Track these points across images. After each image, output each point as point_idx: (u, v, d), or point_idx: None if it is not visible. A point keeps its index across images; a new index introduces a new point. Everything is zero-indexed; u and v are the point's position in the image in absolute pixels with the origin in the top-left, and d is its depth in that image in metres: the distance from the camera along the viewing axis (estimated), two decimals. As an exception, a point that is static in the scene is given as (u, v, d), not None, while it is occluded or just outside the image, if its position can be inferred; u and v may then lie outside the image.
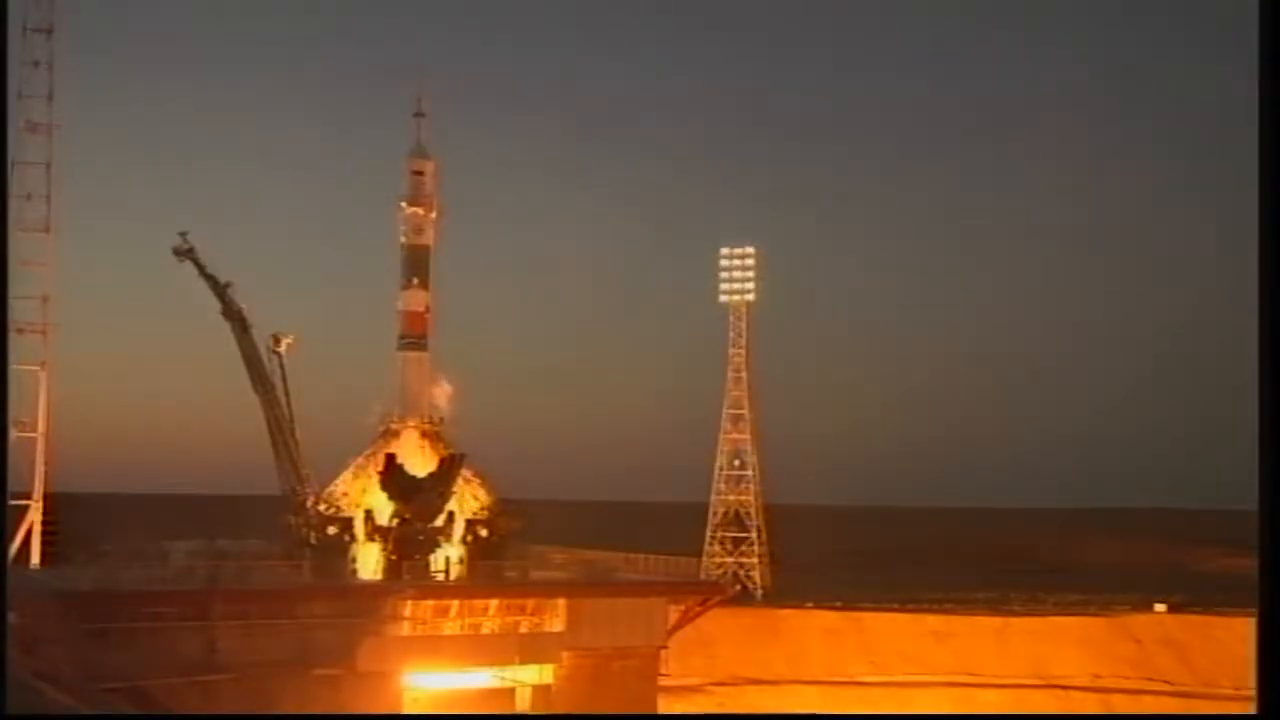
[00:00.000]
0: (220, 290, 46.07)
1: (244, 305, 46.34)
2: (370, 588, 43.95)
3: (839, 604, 60.92)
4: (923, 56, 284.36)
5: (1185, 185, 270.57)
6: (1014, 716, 50.51)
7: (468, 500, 48.08)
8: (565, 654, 43.26)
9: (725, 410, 70.16)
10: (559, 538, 51.71)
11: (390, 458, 46.75)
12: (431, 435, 49.24)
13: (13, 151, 44.02)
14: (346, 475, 47.98)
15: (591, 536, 53.50)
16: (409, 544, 45.24)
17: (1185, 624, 51.88)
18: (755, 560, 67.56)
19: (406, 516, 45.78)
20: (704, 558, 66.01)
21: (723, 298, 69.70)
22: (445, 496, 46.58)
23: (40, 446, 46.29)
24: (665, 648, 45.33)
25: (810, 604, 61.25)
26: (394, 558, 45.07)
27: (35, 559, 46.06)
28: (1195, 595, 58.49)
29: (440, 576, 45.59)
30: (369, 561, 45.92)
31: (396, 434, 49.01)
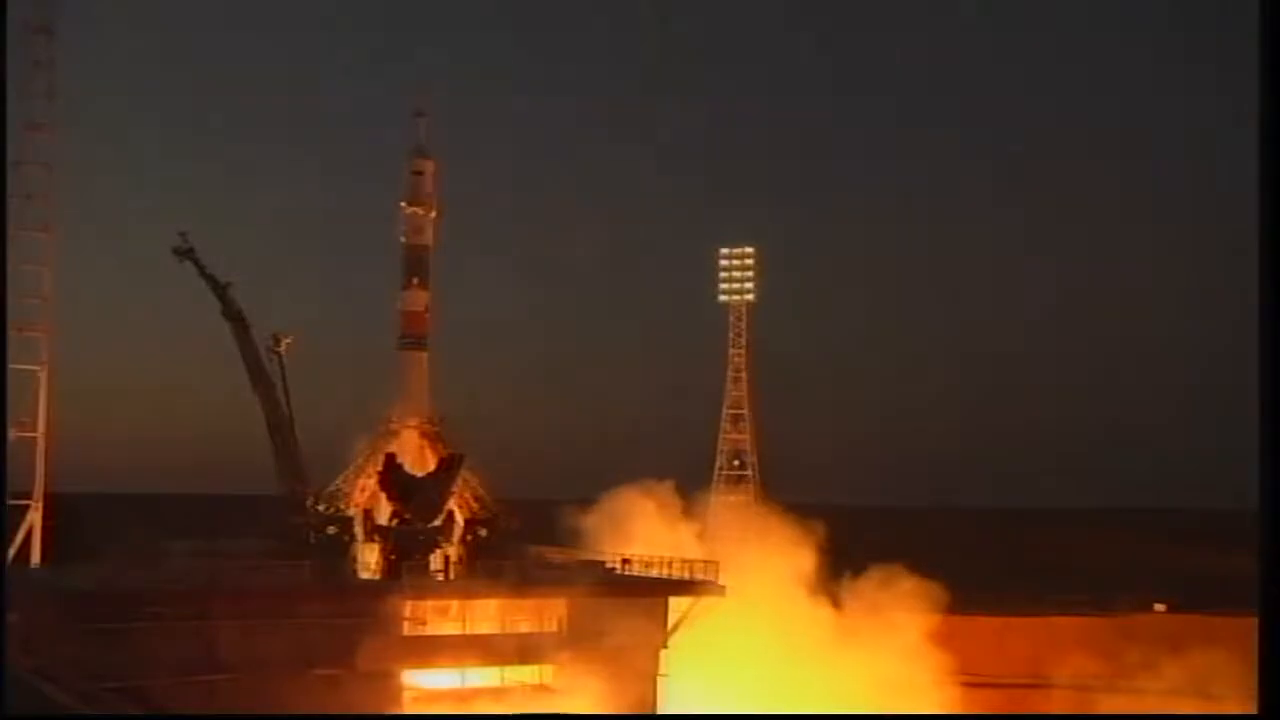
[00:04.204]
0: (220, 290, 46.11)
1: (244, 305, 46.43)
2: (370, 588, 43.97)
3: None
4: (923, 55, 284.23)
5: (1188, 185, 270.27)
6: (1014, 716, 50.47)
7: (467, 500, 48.15)
8: (565, 654, 43.24)
9: (725, 410, 70.19)
10: (558, 538, 51.67)
11: (390, 458, 46.83)
12: (431, 435, 49.31)
13: (13, 151, 44.01)
14: (347, 475, 48.04)
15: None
16: (409, 544, 45.26)
17: (1185, 624, 51.82)
18: (755, 560, 67.58)
19: (406, 516, 45.84)
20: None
21: (722, 297, 69.73)
22: (445, 496, 46.64)
23: (40, 446, 46.30)
24: (665, 648, 45.31)
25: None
26: (394, 558, 45.10)
27: (35, 558, 46.09)
28: (1195, 595, 58.43)
29: (440, 576, 45.63)
30: (369, 561, 45.95)
31: (396, 434, 49.08)
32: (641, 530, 49.40)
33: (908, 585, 49.67)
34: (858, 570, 50.85)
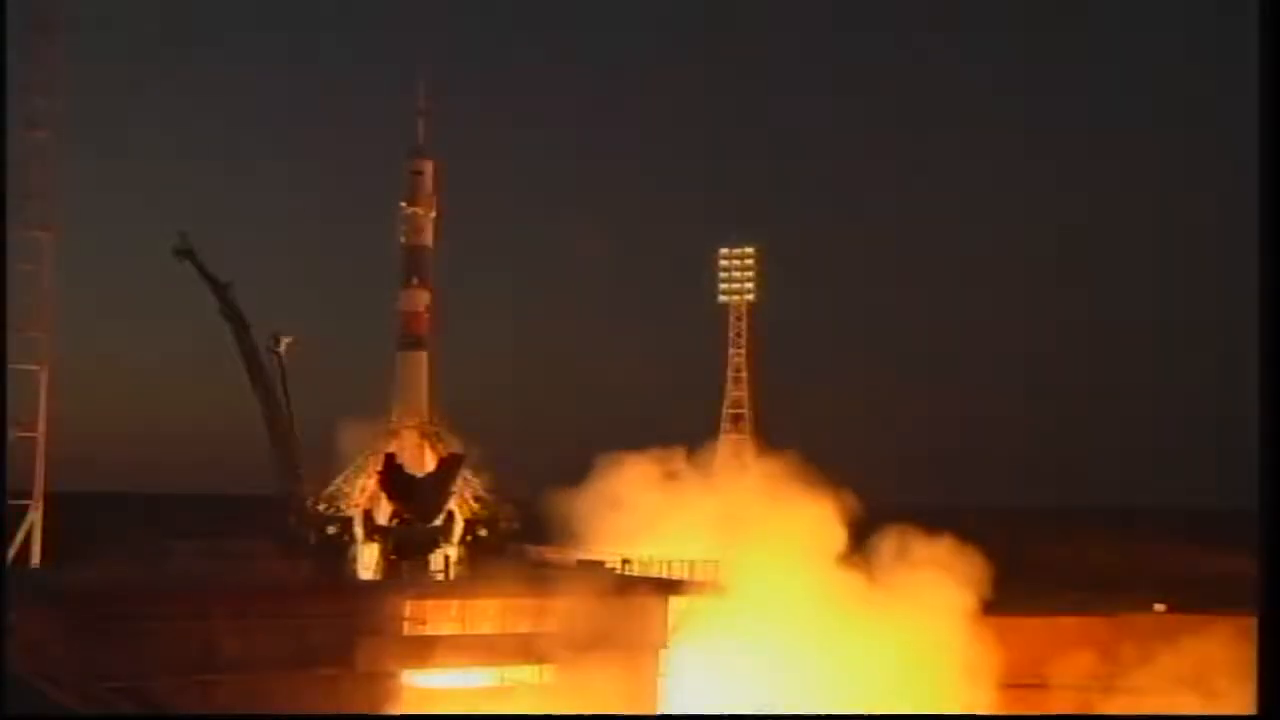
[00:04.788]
0: (220, 290, 46.14)
1: (243, 305, 46.48)
2: (370, 588, 44.00)
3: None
4: (922, 52, 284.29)
5: (1188, 181, 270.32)
6: (1014, 717, 50.45)
7: (467, 500, 48.18)
8: (565, 654, 43.24)
9: (725, 410, 70.15)
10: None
11: (390, 457, 46.88)
12: (431, 435, 49.35)
13: (13, 150, 43.99)
14: (347, 475, 48.08)
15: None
16: (409, 544, 45.30)
17: (1186, 624, 51.84)
18: (755, 560, 67.46)
19: (406, 516, 45.87)
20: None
21: (722, 298, 69.71)
22: (445, 496, 46.68)
23: (40, 446, 46.28)
24: (665, 648, 45.31)
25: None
26: (394, 558, 45.13)
27: (35, 559, 46.09)
28: (1195, 595, 58.43)
29: (440, 576, 45.64)
30: (369, 561, 45.96)
31: (396, 434, 49.11)
32: (645, 503, 48.46)
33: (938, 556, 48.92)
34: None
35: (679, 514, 48.59)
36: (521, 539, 48.97)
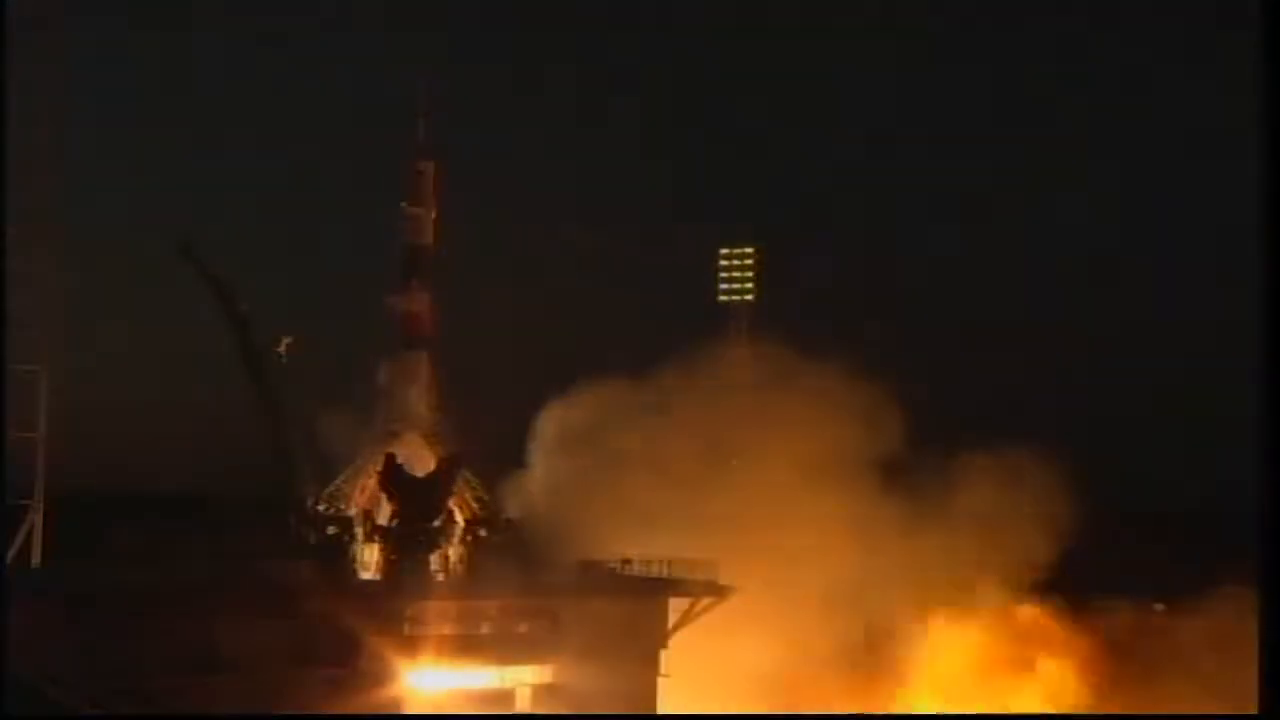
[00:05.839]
0: (221, 290, 46.15)
1: (244, 305, 46.46)
2: (370, 588, 43.99)
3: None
4: (922, 50, 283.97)
5: (1194, 188, 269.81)
6: (1014, 716, 50.47)
7: (467, 500, 48.19)
8: (564, 654, 43.26)
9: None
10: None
11: (390, 457, 46.86)
12: (431, 435, 49.37)
13: (12, 149, 43.91)
14: (347, 475, 48.10)
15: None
16: (409, 544, 45.29)
17: (1185, 624, 51.88)
18: (756, 560, 67.29)
19: (406, 516, 45.88)
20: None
21: (722, 298, 69.64)
22: (445, 496, 46.69)
23: (40, 446, 46.27)
24: (665, 648, 45.30)
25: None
26: (394, 558, 45.13)
27: (35, 559, 46.11)
28: (1194, 595, 58.42)
29: (440, 576, 45.65)
30: (369, 561, 45.97)
31: (396, 434, 49.12)
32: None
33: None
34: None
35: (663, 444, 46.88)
36: (521, 539, 48.92)
